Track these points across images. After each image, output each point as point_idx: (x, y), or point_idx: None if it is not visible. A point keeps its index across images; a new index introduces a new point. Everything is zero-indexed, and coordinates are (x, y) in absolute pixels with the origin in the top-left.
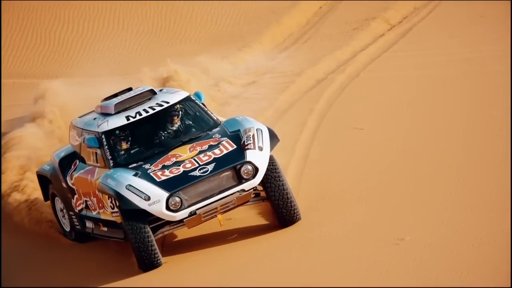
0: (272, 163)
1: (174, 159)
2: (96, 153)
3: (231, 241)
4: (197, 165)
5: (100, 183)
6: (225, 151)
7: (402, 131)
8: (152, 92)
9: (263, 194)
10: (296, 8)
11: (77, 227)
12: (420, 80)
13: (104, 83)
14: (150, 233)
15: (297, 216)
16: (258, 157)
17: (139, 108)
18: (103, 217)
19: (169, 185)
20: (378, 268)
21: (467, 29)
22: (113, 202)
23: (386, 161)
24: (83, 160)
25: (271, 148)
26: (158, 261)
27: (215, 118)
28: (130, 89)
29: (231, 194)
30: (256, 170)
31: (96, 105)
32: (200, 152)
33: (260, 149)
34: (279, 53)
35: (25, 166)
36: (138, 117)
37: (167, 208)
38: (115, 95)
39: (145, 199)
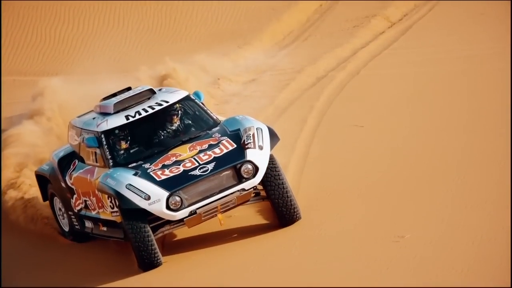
0: (272, 162)
1: (174, 159)
2: (95, 152)
3: (231, 241)
4: (197, 164)
5: (100, 182)
6: (225, 150)
7: (402, 129)
8: (152, 92)
9: (263, 193)
10: (296, 6)
11: (76, 227)
12: (420, 78)
13: (104, 81)
14: (150, 232)
15: (297, 216)
16: (258, 156)
17: (139, 108)
18: (102, 216)
19: (169, 184)
20: (378, 266)
21: (467, 26)
22: (113, 201)
23: (386, 158)
24: (82, 160)
25: (271, 147)
26: (158, 261)
27: (215, 118)
28: (129, 89)
29: (231, 193)
30: (256, 169)
31: (95, 105)
32: (200, 151)
33: (260, 148)
34: (279, 50)
35: (22, 163)
36: (137, 116)
37: (167, 207)
38: (114, 95)
39: (145, 199)
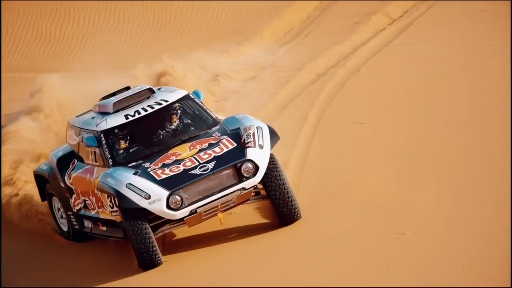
0: (272, 161)
1: (174, 158)
2: (95, 152)
3: (231, 240)
4: (197, 163)
5: (100, 182)
6: (225, 149)
7: (403, 126)
8: (151, 91)
9: (263, 192)
10: (296, 3)
11: (76, 226)
12: (421, 74)
13: (103, 78)
14: (150, 231)
15: (298, 215)
16: (258, 155)
17: (138, 107)
18: (102, 216)
19: (170, 183)
20: (379, 262)
21: (467, 23)
22: (113, 201)
23: (387, 155)
24: (81, 160)
25: (272, 146)
26: (158, 260)
27: (215, 117)
28: (128, 88)
29: (232, 192)
30: (256, 168)
31: (94, 104)
32: (200, 150)
33: (261, 147)
34: (280, 47)
35: (18, 160)
36: (137, 115)
37: (168, 206)
38: (113, 94)
39: (145, 198)
